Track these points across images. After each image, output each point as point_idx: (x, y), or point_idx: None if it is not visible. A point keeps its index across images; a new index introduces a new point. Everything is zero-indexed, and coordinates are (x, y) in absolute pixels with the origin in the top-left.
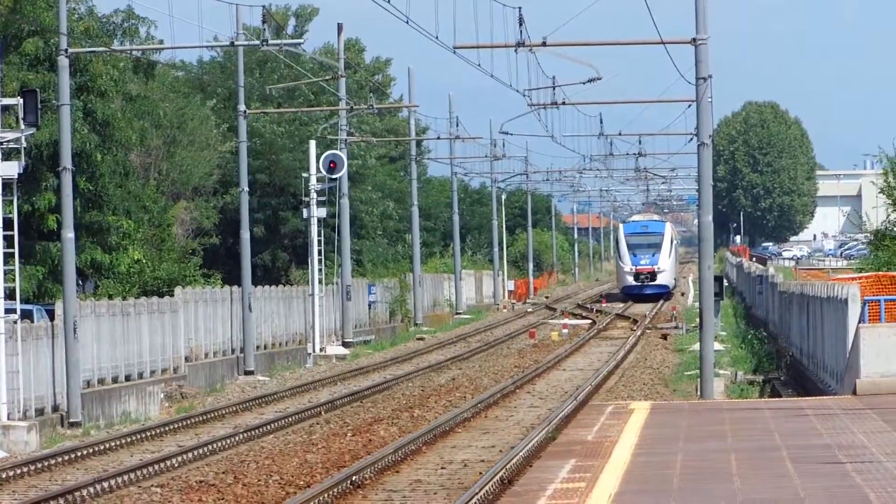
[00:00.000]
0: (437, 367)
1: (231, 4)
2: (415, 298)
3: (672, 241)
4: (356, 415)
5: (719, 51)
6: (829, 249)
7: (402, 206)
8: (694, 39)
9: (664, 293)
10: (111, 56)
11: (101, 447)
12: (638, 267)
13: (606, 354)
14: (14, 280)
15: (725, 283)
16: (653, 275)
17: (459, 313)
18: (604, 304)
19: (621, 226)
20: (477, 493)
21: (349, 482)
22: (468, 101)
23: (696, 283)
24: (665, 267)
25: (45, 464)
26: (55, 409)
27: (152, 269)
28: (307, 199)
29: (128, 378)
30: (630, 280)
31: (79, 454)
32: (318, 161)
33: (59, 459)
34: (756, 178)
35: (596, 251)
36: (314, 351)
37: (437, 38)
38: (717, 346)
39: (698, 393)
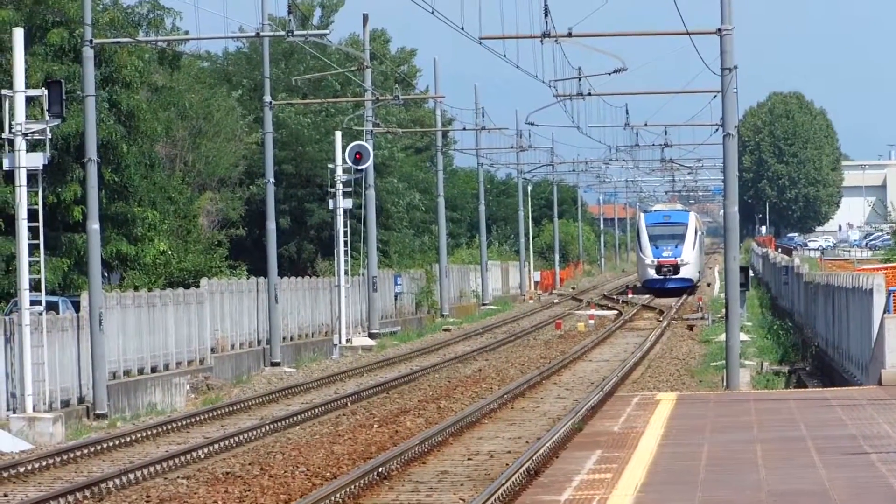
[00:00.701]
0: (463, 358)
1: None
2: (441, 289)
3: (696, 232)
4: (383, 406)
5: (744, 41)
6: (855, 240)
7: (428, 197)
8: (719, 30)
9: (688, 287)
10: (136, 47)
11: (127, 439)
12: (660, 259)
13: (633, 345)
14: (39, 272)
15: (751, 273)
16: (676, 267)
17: (486, 304)
18: (630, 296)
19: (642, 215)
20: (503, 485)
21: (376, 473)
22: (494, 91)
23: (722, 274)
24: (689, 259)
25: (71, 455)
26: (81, 400)
27: (178, 260)
28: (333, 190)
29: (154, 369)
30: (652, 273)
31: (104, 446)
32: (344, 152)
33: (85, 451)
34: (781, 169)
35: (622, 242)
36: (340, 342)
37: (462, 28)
38: (743, 336)
39: (724, 383)
